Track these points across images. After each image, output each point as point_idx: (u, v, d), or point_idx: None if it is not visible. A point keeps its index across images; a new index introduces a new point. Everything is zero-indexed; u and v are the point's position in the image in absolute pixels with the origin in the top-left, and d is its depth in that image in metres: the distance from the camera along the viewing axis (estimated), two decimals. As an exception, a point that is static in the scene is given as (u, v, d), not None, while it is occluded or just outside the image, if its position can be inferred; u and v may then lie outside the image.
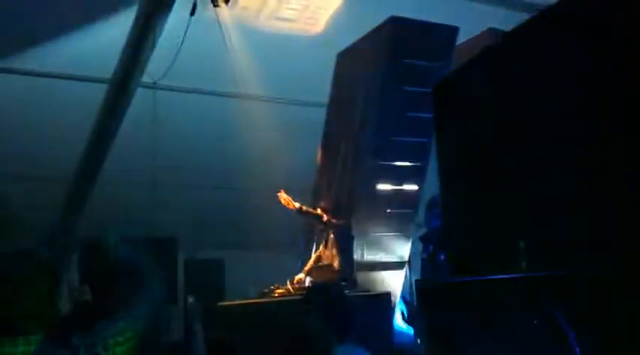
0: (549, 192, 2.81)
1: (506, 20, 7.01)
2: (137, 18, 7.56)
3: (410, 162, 7.45)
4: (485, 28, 7.40)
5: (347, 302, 3.57)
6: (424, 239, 5.72)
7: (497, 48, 3.14)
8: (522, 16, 7.34)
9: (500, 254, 3.13)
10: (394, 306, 6.60)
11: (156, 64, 7.88)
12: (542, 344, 2.73)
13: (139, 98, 8.41)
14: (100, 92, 8.39)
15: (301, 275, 6.36)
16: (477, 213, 3.34)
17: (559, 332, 2.74)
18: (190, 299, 4.44)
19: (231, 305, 5.96)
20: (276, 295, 6.05)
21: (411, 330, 6.61)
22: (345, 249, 6.45)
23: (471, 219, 3.44)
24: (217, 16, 7.52)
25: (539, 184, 2.87)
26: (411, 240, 7.33)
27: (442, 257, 5.63)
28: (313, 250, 6.82)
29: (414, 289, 7.17)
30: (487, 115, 3.18)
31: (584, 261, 2.70)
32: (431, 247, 6.11)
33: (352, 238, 6.51)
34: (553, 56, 2.74)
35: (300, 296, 5.16)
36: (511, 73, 3.01)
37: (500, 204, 3.10)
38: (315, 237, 6.88)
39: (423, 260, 5.61)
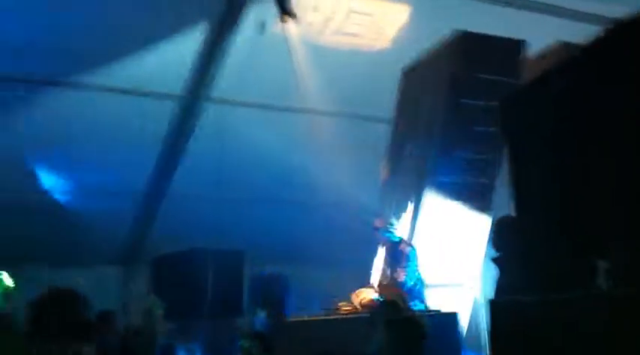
0: (632, 211, 2.72)
1: (574, 33, 6.94)
2: (206, 35, 7.75)
3: (476, 178, 7.33)
4: (552, 41, 7.26)
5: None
6: (496, 260, 5.59)
7: (574, 61, 3.05)
8: (589, 28, 7.26)
9: (578, 274, 3.05)
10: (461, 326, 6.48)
11: (224, 80, 8.04)
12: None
13: (207, 113, 8.60)
14: (169, 107, 8.63)
15: (369, 293, 6.31)
16: (553, 232, 3.25)
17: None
18: (262, 314, 4.48)
19: (297, 320, 5.97)
20: (343, 312, 6.02)
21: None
22: (408, 265, 6.37)
23: (546, 238, 3.35)
24: (284, 32, 7.61)
25: (620, 202, 2.78)
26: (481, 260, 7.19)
27: (506, 278, 5.49)
28: (381, 266, 6.77)
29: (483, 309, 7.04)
30: (563, 130, 3.09)
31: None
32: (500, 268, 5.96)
33: (416, 256, 6.43)
34: (635, 69, 2.66)
35: (366, 314, 5.14)
36: (589, 87, 2.93)
37: (578, 223, 3.01)
38: (381, 254, 6.82)
39: (497, 281, 5.48)
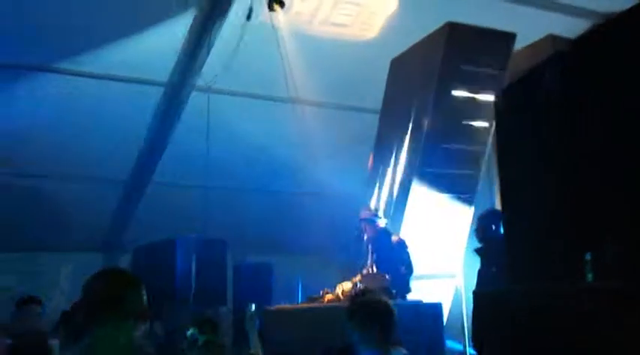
0: (619, 203, 2.72)
1: (564, 27, 6.94)
2: (194, 22, 7.67)
3: (462, 170, 7.34)
4: (541, 34, 7.25)
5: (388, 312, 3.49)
6: (479, 251, 5.60)
7: (568, 55, 3.04)
8: (578, 23, 7.24)
9: (564, 266, 3.04)
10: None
11: (210, 68, 7.97)
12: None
13: (193, 101, 8.53)
14: (155, 95, 8.55)
15: (352, 283, 6.30)
16: (541, 224, 3.24)
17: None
18: (252, 308, 4.41)
19: (280, 309, 5.95)
20: (325, 301, 6.01)
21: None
22: (397, 257, 6.36)
23: (533, 230, 3.34)
24: (272, 20, 7.55)
25: (607, 195, 2.77)
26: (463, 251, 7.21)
27: (494, 269, 5.51)
28: (365, 256, 6.77)
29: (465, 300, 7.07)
30: (554, 123, 3.08)
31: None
32: (484, 260, 5.97)
33: (405, 246, 6.42)
34: (630, 63, 2.64)
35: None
36: (583, 80, 2.92)
37: (566, 215, 3.00)
38: (366, 244, 6.81)
39: (479, 272, 5.49)
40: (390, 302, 3.58)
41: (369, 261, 6.63)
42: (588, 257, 2.84)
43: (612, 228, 2.80)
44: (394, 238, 6.48)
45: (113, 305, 2.41)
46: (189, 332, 4.15)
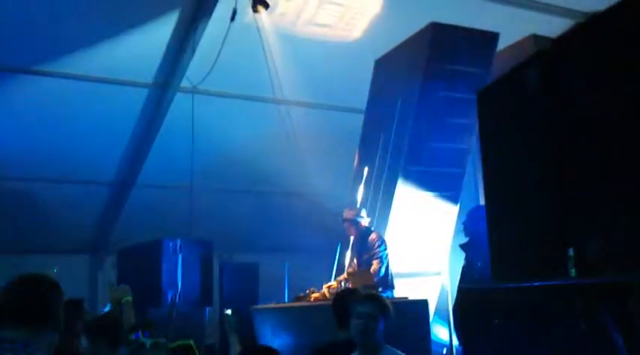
0: (601, 198, 2.76)
1: (546, 26, 7.01)
2: (178, 24, 7.66)
3: (448, 168, 7.39)
4: (523, 34, 7.32)
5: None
6: (464, 247, 5.64)
7: (549, 53, 3.08)
8: (560, 22, 7.31)
9: (547, 261, 3.08)
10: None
11: (195, 69, 7.97)
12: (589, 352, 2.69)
13: (178, 102, 8.52)
14: (140, 96, 8.53)
15: (337, 281, 6.33)
16: (523, 220, 3.28)
17: (608, 340, 2.68)
18: (228, 311, 4.40)
19: (266, 308, 5.96)
20: (312, 299, 6.03)
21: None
22: (381, 255, 6.40)
23: (515, 225, 3.38)
24: (256, 22, 7.55)
25: (590, 190, 2.81)
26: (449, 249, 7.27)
27: (479, 264, 5.55)
28: (349, 255, 6.80)
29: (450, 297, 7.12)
30: (537, 121, 3.12)
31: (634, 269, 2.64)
32: (469, 255, 6.01)
33: (380, 244, 6.45)
34: (610, 61, 2.69)
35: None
36: (564, 79, 2.96)
37: (548, 211, 3.04)
38: (351, 243, 6.84)
39: (463, 267, 5.53)
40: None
41: (354, 260, 6.68)
42: (571, 252, 2.88)
43: (595, 223, 2.84)
44: (372, 236, 6.49)
45: (24, 309, 2.39)
46: (132, 336, 4.04)
